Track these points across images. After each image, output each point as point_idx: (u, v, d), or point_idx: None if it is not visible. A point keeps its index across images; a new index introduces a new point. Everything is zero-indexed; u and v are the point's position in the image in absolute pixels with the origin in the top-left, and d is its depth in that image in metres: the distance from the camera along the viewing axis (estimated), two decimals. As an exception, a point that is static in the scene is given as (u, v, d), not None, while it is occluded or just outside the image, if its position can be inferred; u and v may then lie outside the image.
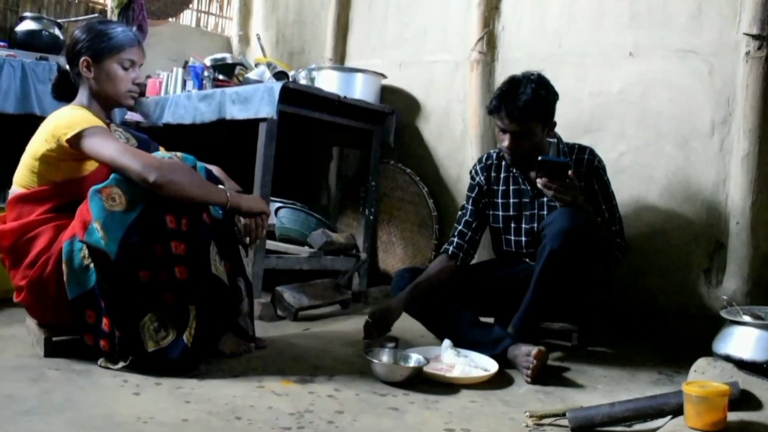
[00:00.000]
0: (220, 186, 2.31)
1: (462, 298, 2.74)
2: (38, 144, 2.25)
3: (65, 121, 2.21)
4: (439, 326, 2.73)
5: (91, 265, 2.10)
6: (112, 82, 2.37)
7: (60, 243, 2.17)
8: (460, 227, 2.87)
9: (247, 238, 2.34)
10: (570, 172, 2.37)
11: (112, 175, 2.11)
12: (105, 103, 2.42)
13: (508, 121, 2.58)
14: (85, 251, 2.10)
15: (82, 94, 2.40)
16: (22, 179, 2.30)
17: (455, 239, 2.85)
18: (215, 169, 2.45)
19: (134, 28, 2.44)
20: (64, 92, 2.47)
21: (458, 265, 2.81)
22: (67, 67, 2.44)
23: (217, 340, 2.34)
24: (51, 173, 2.26)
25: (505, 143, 2.63)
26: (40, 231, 2.23)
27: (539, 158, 2.37)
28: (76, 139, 2.16)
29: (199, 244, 2.16)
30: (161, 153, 2.34)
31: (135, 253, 2.04)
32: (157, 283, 2.09)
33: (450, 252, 2.83)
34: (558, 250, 2.39)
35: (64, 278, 2.14)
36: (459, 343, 2.53)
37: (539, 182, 2.39)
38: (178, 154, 2.27)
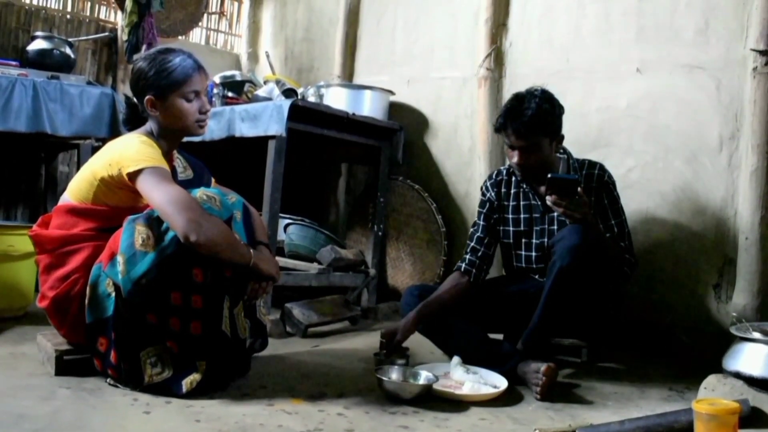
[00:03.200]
0: (247, 245, 2.22)
1: (471, 314, 2.73)
2: (100, 166, 2.24)
3: (132, 154, 2.17)
4: (448, 343, 2.72)
5: (113, 294, 2.11)
6: (179, 118, 2.34)
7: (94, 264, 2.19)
8: (473, 244, 2.87)
9: (246, 296, 2.25)
10: (579, 188, 2.37)
11: (151, 211, 2.11)
12: (175, 135, 2.40)
13: (515, 137, 2.60)
14: (110, 280, 2.12)
15: (152, 125, 2.38)
16: (78, 192, 2.30)
17: (468, 256, 2.85)
18: (252, 210, 2.41)
19: (191, 56, 2.38)
20: (136, 124, 2.43)
21: (471, 281, 2.81)
22: (135, 99, 2.40)
23: (226, 386, 2.26)
24: (107, 196, 2.26)
25: (515, 159, 2.64)
26: (80, 247, 2.24)
27: (549, 175, 2.37)
28: (135, 175, 2.13)
29: (217, 300, 2.13)
30: (214, 189, 2.29)
31: (148, 295, 2.05)
32: (164, 328, 2.09)
33: (462, 269, 2.82)
34: (567, 267, 2.39)
35: (86, 300, 2.16)
36: (468, 360, 2.52)
37: (549, 199, 2.39)
38: (232, 195, 2.28)
